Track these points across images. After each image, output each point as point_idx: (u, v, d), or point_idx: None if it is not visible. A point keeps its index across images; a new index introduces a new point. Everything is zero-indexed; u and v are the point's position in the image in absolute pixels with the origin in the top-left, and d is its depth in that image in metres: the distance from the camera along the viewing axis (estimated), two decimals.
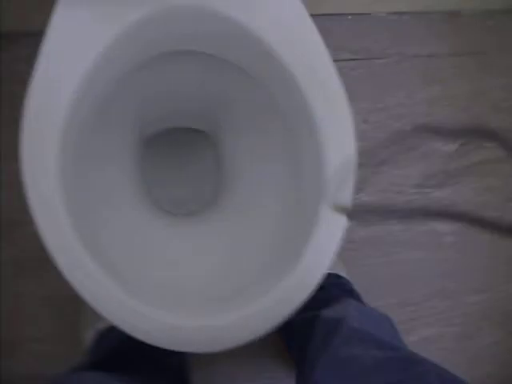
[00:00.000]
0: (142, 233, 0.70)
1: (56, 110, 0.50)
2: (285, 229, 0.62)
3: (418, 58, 1.04)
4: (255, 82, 0.64)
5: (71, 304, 0.87)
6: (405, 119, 1.03)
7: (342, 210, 0.53)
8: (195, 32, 0.60)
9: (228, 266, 0.66)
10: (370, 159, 1.00)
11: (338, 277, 0.87)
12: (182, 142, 0.84)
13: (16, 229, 0.85)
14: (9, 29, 0.91)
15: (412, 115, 1.03)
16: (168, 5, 0.53)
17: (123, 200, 0.70)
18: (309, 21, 0.58)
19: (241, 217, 0.72)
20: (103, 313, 0.50)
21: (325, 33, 0.99)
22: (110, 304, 0.50)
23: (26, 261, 0.86)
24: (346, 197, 0.54)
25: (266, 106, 0.68)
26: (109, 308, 0.50)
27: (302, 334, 0.71)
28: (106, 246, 0.58)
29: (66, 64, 0.51)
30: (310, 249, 0.53)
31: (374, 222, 1.00)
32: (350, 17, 1.04)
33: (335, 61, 1.01)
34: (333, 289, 0.82)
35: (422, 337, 1.01)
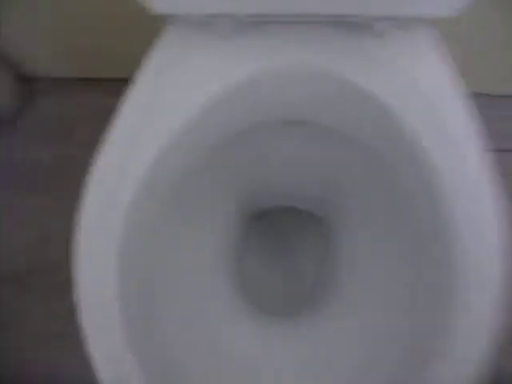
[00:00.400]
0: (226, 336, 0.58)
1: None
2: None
3: None
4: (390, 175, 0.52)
5: None
6: None
7: None
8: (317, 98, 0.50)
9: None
10: None
11: None
12: (288, 228, 0.71)
13: None
14: None
15: None
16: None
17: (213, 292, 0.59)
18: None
19: (346, 323, 0.58)
20: None
21: (495, 116, 0.84)
22: None
23: None
24: None
25: (397, 201, 0.54)
26: None
27: None
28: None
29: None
30: None
31: None
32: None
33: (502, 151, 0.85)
34: None
35: None
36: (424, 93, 0.46)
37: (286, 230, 0.71)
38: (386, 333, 0.52)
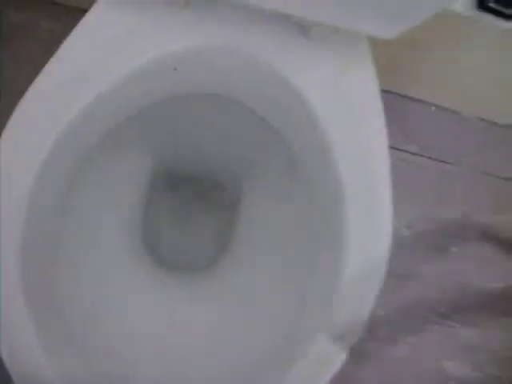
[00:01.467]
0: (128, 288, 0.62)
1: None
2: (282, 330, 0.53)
3: (493, 179, 0.93)
4: (291, 150, 0.58)
5: None
6: (453, 239, 0.92)
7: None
8: (237, 78, 0.55)
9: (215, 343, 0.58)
10: (401, 270, 0.89)
11: None
12: (195, 195, 0.74)
13: None
14: None
15: (462, 238, 0.92)
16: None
17: (115, 243, 0.63)
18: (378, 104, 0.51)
19: (239, 293, 0.64)
20: None
21: (401, 115, 0.89)
22: None
23: None
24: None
25: (292, 175, 0.61)
26: None
27: None
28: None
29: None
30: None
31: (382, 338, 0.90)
32: (433, 108, 0.91)
33: (400, 150, 0.91)
34: None
35: None
36: (338, 89, 0.50)
37: (194, 198, 0.73)
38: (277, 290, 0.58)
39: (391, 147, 0.93)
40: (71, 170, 0.50)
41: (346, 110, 0.50)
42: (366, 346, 0.89)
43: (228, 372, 0.54)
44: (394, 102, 0.90)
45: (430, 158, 0.91)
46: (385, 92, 0.92)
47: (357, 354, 0.84)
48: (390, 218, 0.48)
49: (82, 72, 0.46)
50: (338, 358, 0.47)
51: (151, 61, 0.49)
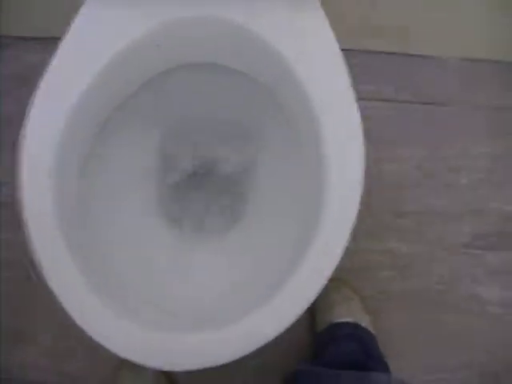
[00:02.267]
0: (150, 243, 0.69)
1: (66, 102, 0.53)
2: (292, 252, 0.59)
3: (486, 110, 0.98)
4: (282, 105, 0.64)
5: None
6: (461, 172, 0.97)
7: None
8: (219, 45, 0.61)
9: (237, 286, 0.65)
10: (418, 208, 0.95)
11: (357, 327, 0.84)
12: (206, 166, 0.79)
13: None
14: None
15: (470, 169, 0.97)
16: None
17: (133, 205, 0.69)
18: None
19: (253, 242, 0.71)
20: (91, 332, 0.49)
21: (391, 71, 0.97)
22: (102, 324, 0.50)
23: None
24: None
25: (286, 136, 0.67)
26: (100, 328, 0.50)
27: None
28: (111, 259, 0.60)
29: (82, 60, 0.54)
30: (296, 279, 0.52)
31: (413, 275, 0.95)
32: (420, 58, 0.98)
33: (397, 101, 0.98)
34: (349, 344, 0.79)
35: None
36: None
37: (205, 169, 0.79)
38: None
39: (383, 100, 1.01)
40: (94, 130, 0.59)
41: (305, 47, 0.56)
42: (402, 284, 0.95)
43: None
44: (380, 59, 0.97)
45: (421, 103, 0.98)
46: (369, 52, 1.01)
47: (395, 294, 0.91)
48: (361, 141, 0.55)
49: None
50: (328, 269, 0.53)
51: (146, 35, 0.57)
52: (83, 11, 0.55)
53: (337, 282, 0.91)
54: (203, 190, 0.73)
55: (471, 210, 0.96)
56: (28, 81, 0.95)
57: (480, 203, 0.96)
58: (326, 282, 0.51)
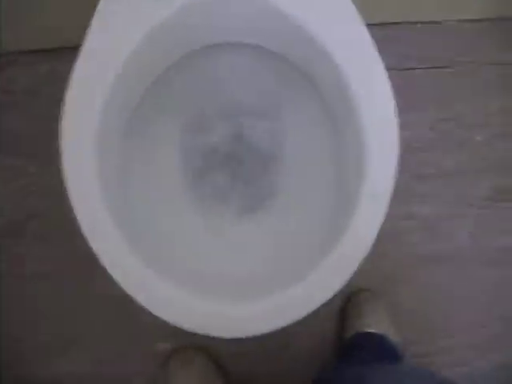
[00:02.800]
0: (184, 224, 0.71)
1: (102, 90, 0.54)
2: (331, 221, 0.62)
3: (491, 66, 1.00)
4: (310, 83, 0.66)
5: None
6: (476, 129, 0.99)
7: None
8: (250, 24, 0.62)
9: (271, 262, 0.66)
10: (436, 169, 0.97)
11: (384, 339, 0.86)
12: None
13: None
14: None
15: (485, 125, 0.99)
16: None
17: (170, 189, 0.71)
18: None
19: (288, 213, 0.72)
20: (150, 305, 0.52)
21: (392, 41, 0.99)
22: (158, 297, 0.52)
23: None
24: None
25: (317, 107, 0.69)
26: (157, 302, 0.52)
27: None
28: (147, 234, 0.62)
29: (113, 43, 0.54)
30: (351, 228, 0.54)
31: (440, 235, 0.97)
32: (419, 25, 1.01)
33: (402, 69, 1.00)
34: (374, 355, 0.82)
35: None
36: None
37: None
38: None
39: (391, 69, 1.02)
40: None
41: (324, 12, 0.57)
42: (430, 246, 0.96)
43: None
44: (380, 30, 0.99)
45: (428, 67, 1.00)
46: (370, 25, 1.02)
47: (424, 256, 0.92)
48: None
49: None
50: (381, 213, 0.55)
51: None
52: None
53: (368, 293, 0.93)
54: (233, 168, 0.74)
55: (490, 165, 0.97)
56: (39, 93, 0.98)
57: (497, 157, 0.97)
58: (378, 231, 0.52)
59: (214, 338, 0.53)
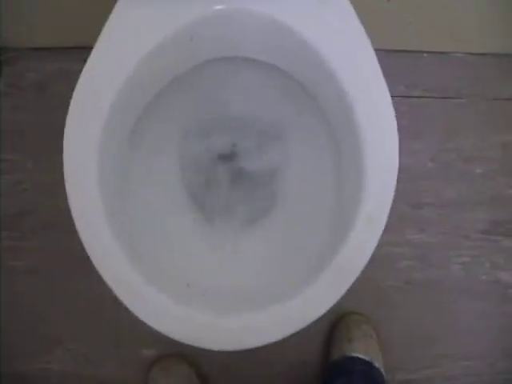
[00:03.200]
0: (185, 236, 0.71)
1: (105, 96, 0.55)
2: (328, 239, 0.62)
3: (496, 101, 1.01)
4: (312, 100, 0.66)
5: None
6: (476, 162, 1.00)
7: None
8: (260, 40, 0.63)
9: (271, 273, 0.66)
10: (434, 199, 0.97)
11: (371, 366, 0.86)
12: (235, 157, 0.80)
13: None
14: None
15: (484, 159, 1.00)
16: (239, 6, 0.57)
17: (169, 201, 0.72)
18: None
19: (286, 229, 0.73)
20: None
21: (399, 69, 1.00)
22: (158, 312, 0.52)
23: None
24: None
25: (319, 126, 0.69)
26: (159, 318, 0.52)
27: None
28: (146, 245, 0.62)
29: (122, 53, 0.55)
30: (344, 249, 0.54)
31: (434, 264, 0.97)
32: (425, 55, 1.02)
33: (407, 97, 1.01)
34: (360, 380, 0.83)
35: None
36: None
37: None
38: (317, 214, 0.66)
39: (396, 96, 1.03)
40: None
41: (334, 34, 0.58)
42: (422, 274, 0.96)
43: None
44: (387, 57, 1.00)
45: (433, 97, 1.01)
46: (377, 50, 1.04)
47: (416, 284, 0.92)
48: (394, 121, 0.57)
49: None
50: (375, 237, 0.55)
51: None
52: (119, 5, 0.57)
53: (359, 317, 0.93)
54: (233, 181, 0.75)
55: (488, 198, 0.98)
56: (46, 90, 0.99)
57: (496, 191, 0.98)
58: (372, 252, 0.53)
59: (200, 348, 0.53)
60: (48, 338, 0.93)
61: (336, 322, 0.92)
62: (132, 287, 0.52)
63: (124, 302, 0.51)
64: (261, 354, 0.85)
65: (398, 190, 0.93)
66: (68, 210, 0.52)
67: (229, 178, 0.75)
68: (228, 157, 0.74)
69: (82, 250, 0.52)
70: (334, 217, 0.63)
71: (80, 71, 0.54)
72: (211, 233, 0.72)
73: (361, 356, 0.85)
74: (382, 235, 0.94)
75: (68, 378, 0.92)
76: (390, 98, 0.57)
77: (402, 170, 0.98)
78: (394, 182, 0.55)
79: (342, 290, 0.53)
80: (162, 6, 0.56)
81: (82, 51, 0.60)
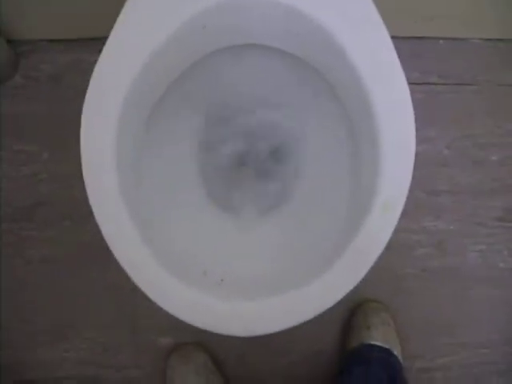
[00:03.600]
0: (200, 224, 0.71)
1: (121, 87, 0.55)
2: (344, 225, 0.61)
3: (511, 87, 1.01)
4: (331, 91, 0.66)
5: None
6: (491, 149, 0.99)
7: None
8: (277, 27, 0.63)
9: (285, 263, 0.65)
10: (450, 186, 0.96)
11: (389, 354, 0.86)
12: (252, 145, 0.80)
13: None
14: None
15: (500, 145, 0.99)
16: None
17: (187, 191, 0.72)
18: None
19: (302, 216, 0.72)
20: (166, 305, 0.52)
21: (414, 55, 0.99)
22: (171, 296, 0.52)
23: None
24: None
25: (336, 111, 0.68)
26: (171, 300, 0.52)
27: None
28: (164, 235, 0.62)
29: (136, 41, 0.55)
30: (360, 236, 0.54)
31: (450, 251, 0.97)
32: (441, 41, 1.01)
33: (422, 84, 1.01)
34: (378, 368, 0.82)
35: None
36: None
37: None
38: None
39: (411, 83, 1.02)
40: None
41: (350, 20, 0.57)
42: (439, 262, 0.96)
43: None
44: (403, 44, 0.99)
45: (449, 84, 1.00)
46: (392, 38, 1.03)
47: (433, 271, 0.92)
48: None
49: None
50: (391, 224, 0.55)
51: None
52: None
53: (377, 304, 0.93)
54: (250, 169, 0.75)
55: (503, 186, 0.97)
56: (61, 82, 1.00)
57: (511, 179, 0.97)
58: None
59: (217, 335, 0.53)
60: (65, 327, 0.94)
61: (354, 310, 0.92)
62: (148, 271, 0.52)
63: (139, 286, 0.51)
64: (277, 342, 0.86)
65: (413, 177, 0.93)
66: (84, 201, 0.52)
67: (245, 167, 0.75)
68: (244, 145, 0.74)
69: (99, 239, 0.52)
70: (351, 204, 0.63)
71: (95, 62, 0.54)
72: (227, 221, 0.72)
73: (379, 344, 0.85)
74: (398, 222, 0.95)
75: (85, 366, 0.93)
76: (406, 84, 0.56)
77: (417, 157, 0.97)
78: (411, 170, 0.54)
79: (359, 277, 0.53)
80: None
81: (97, 42, 0.60)
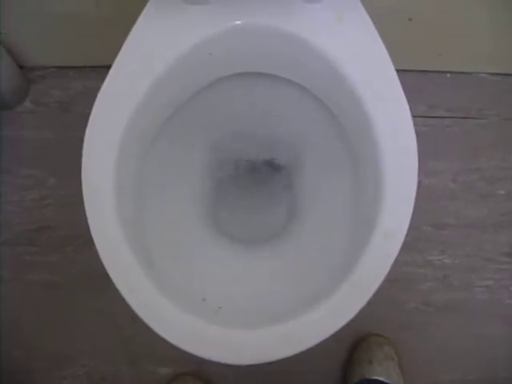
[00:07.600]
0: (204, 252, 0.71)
1: (125, 111, 0.56)
2: (345, 254, 0.60)
3: None
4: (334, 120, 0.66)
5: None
6: (498, 183, 0.98)
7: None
8: (289, 60, 0.63)
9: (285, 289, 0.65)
10: (456, 220, 0.96)
11: None
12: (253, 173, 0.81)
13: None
14: None
15: (507, 179, 0.98)
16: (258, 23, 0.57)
17: (187, 219, 0.72)
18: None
19: (303, 242, 0.72)
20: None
21: (421, 89, 0.99)
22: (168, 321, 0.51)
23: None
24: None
25: (338, 143, 0.69)
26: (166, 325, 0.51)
27: None
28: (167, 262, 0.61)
29: (138, 69, 0.56)
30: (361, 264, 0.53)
31: (456, 286, 0.95)
32: (448, 75, 1.01)
33: (429, 117, 1.01)
34: None
35: None
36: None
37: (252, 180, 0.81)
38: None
39: (418, 116, 1.03)
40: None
41: (355, 52, 0.58)
42: (444, 297, 0.94)
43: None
44: (411, 78, 1.00)
45: (455, 117, 1.00)
46: (400, 71, 1.04)
47: (438, 306, 0.90)
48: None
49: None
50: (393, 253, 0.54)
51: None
52: (141, 19, 0.58)
53: (381, 339, 0.91)
54: (250, 195, 0.75)
55: (510, 220, 0.96)
56: (70, 108, 1.01)
57: None
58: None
59: (216, 364, 0.52)
60: (63, 354, 0.93)
61: (357, 344, 0.90)
62: (145, 296, 0.52)
63: (135, 309, 0.51)
64: (277, 372, 0.85)
65: (419, 210, 0.92)
66: (88, 227, 0.52)
67: (246, 192, 0.75)
68: (246, 170, 0.74)
69: (100, 266, 0.52)
70: (352, 231, 0.62)
71: None
72: (227, 246, 0.71)
73: (381, 379, 0.83)
74: (404, 255, 0.94)
75: None
76: (410, 116, 0.56)
77: (423, 190, 0.98)
78: (413, 198, 0.54)
79: (359, 306, 0.51)
80: (181, 22, 0.57)
81: (106, 70, 0.61)
